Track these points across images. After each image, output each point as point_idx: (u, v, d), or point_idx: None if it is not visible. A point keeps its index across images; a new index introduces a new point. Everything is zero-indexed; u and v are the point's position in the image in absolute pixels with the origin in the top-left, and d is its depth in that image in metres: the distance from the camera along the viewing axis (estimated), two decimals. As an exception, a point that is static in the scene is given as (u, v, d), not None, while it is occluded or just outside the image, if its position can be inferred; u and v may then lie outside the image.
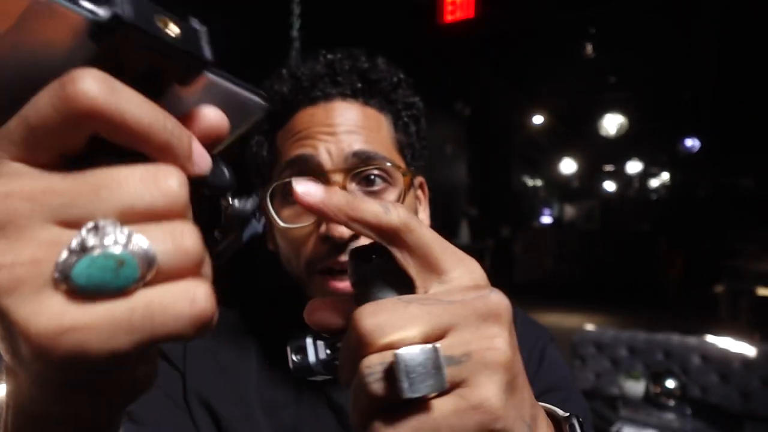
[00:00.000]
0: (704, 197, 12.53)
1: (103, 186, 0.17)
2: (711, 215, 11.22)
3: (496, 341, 0.23)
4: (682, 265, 10.02)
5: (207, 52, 0.20)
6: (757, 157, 11.59)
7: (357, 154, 0.55)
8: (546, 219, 13.24)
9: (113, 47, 0.17)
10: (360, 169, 0.55)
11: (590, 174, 13.79)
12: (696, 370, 2.87)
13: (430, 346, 0.21)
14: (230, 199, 0.23)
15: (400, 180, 0.59)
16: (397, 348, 0.21)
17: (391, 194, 0.58)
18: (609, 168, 13.73)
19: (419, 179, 0.68)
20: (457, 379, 0.22)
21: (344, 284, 0.55)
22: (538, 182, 14.35)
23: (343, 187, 0.54)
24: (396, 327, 0.22)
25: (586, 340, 3.20)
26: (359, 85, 0.59)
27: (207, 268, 0.20)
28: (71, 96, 0.16)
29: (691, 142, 10.67)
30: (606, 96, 8.43)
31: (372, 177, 0.57)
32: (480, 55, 6.81)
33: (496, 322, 0.23)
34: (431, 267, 0.24)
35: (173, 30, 0.18)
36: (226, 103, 0.22)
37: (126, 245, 0.16)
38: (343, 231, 0.52)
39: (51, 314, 0.16)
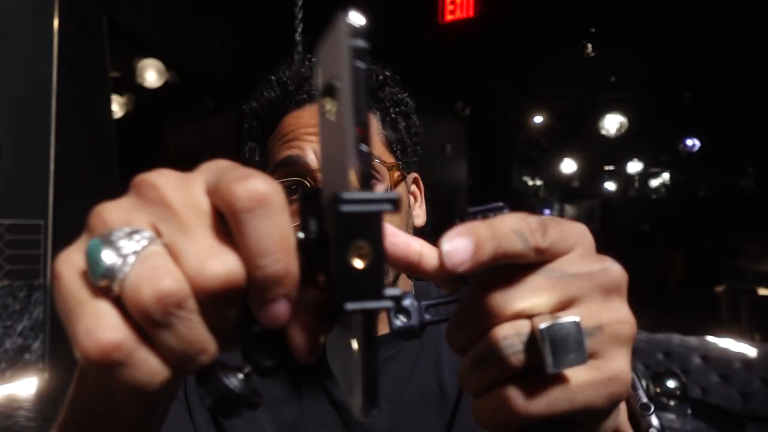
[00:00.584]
0: (704, 197, 12.53)
1: None
2: (711, 215, 11.21)
3: (623, 313, 0.24)
4: (683, 265, 10.02)
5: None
6: (757, 157, 11.58)
7: None
8: (546, 219, 13.22)
9: None
10: None
11: (590, 174, 13.78)
12: (696, 370, 2.87)
13: (572, 319, 0.21)
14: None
15: (387, 176, 0.59)
16: (527, 317, 0.22)
17: (378, 190, 0.58)
18: (609, 168, 13.73)
19: (413, 175, 0.68)
20: (591, 350, 0.22)
21: None
22: (538, 182, 14.35)
23: None
24: (524, 296, 0.22)
25: (587, 341, 3.19)
26: None
27: None
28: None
29: (691, 142, 10.66)
30: (606, 96, 8.42)
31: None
32: (480, 55, 6.80)
33: (618, 295, 0.24)
34: (557, 254, 0.24)
35: None
36: None
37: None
38: None
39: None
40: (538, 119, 9.61)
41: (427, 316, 0.24)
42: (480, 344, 0.22)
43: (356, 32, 0.19)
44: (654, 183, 13.84)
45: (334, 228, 0.18)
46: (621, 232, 11.34)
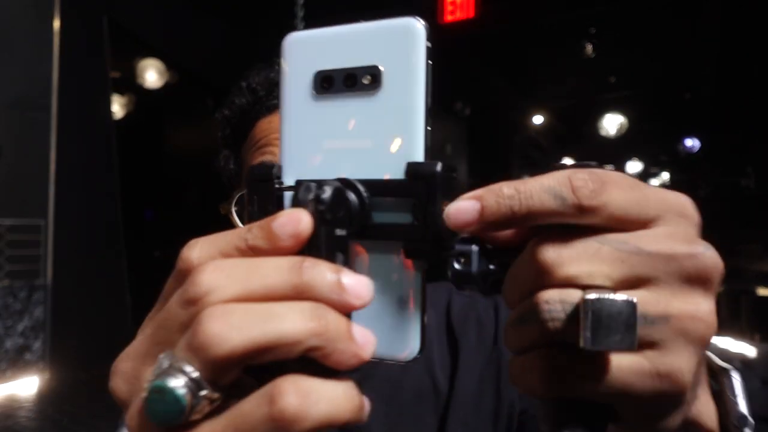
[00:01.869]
0: (704, 197, 12.53)
1: None
2: (711, 215, 11.18)
3: (702, 309, 0.20)
4: (683, 265, 10.02)
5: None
6: (757, 157, 11.57)
7: None
8: (546, 219, 13.23)
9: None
10: None
11: (590, 174, 13.76)
12: (696, 370, 2.87)
13: (626, 298, 0.18)
14: None
15: None
16: (581, 285, 0.20)
17: None
18: (609, 168, 13.71)
19: None
20: (647, 339, 0.20)
21: None
22: (539, 182, 14.33)
23: None
24: (581, 262, 0.20)
25: (587, 340, 3.19)
26: None
27: None
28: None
29: (691, 142, 10.66)
30: (606, 96, 8.42)
31: None
32: (480, 55, 6.80)
33: (703, 287, 0.20)
34: (631, 223, 0.21)
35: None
36: None
37: (165, 375, 0.18)
38: None
39: None
40: (538, 119, 9.61)
41: (491, 266, 0.23)
42: (523, 303, 0.21)
43: (427, 35, 0.22)
44: (654, 183, 13.85)
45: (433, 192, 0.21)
46: (621, 232, 11.32)
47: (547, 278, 0.20)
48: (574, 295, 0.19)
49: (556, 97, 8.94)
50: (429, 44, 0.22)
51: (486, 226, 0.21)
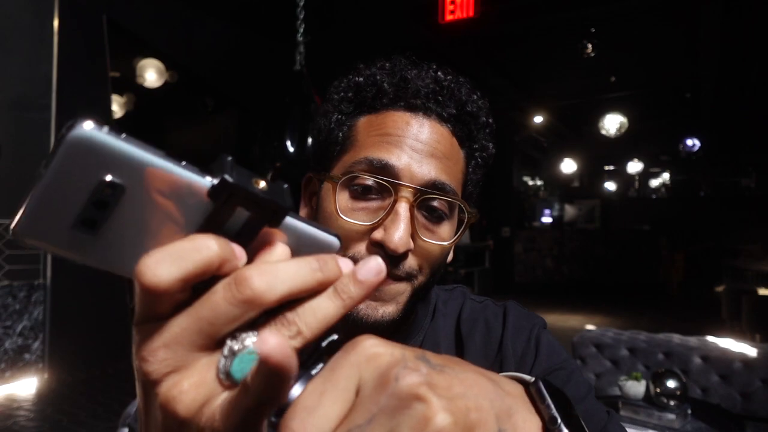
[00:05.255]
0: (704, 197, 12.53)
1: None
2: (711, 215, 11.22)
3: (435, 422, 0.22)
4: (683, 265, 10.02)
5: (288, 201, 0.25)
6: (757, 157, 11.59)
7: (435, 185, 0.55)
8: (546, 219, 13.22)
9: (223, 201, 0.24)
10: (432, 196, 0.55)
11: (591, 174, 13.79)
12: (697, 370, 2.87)
13: None
14: None
15: (456, 217, 0.60)
16: None
17: (445, 228, 0.58)
18: (609, 168, 13.73)
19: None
20: None
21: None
22: (538, 182, 14.35)
23: (413, 205, 0.54)
24: None
25: (587, 340, 3.19)
26: (454, 111, 0.59)
27: None
28: (146, 286, 0.22)
29: (692, 142, 10.67)
30: (606, 96, 8.43)
31: (435, 208, 0.57)
32: (480, 55, 6.80)
33: (419, 401, 0.22)
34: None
35: (262, 185, 0.24)
36: (305, 242, 0.27)
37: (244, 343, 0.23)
38: (399, 244, 0.52)
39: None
40: (538, 119, 9.62)
41: None
42: None
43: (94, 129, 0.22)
44: (654, 183, 13.85)
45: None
46: (621, 232, 11.33)
47: None
48: None
49: (556, 96, 8.94)
50: (102, 129, 0.21)
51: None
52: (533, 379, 0.30)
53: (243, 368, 0.23)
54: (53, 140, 4.23)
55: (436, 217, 0.57)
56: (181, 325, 0.24)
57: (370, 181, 0.55)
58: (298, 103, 3.18)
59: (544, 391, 0.28)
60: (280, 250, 0.26)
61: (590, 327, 6.13)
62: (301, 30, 3.59)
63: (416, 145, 0.56)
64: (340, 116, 0.61)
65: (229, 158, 0.24)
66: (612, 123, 8.37)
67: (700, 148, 10.74)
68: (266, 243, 0.26)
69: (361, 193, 0.55)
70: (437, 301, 0.71)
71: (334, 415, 0.22)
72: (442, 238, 0.57)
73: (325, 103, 0.64)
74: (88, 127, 0.21)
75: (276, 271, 0.24)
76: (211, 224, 0.24)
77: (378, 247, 0.54)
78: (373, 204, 0.55)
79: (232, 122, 6.93)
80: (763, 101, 8.03)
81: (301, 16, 3.64)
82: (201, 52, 5.75)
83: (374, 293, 0.53)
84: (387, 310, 0.55)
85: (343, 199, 0.56)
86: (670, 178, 13.52)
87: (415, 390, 0.22)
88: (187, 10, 5.49)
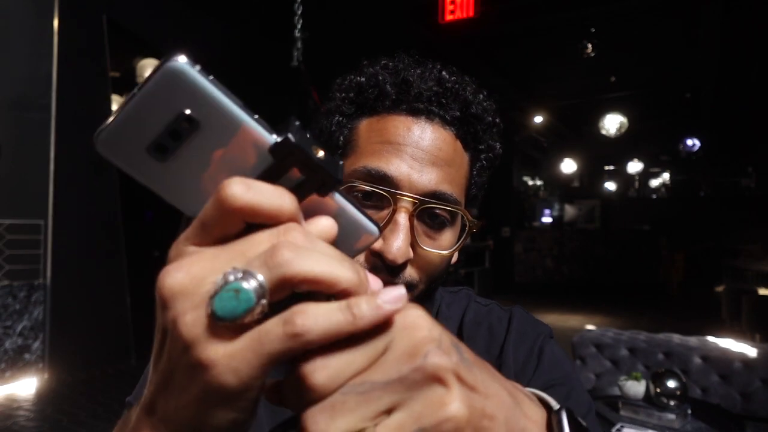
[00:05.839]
0: (704, 197, 12.54)
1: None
2: (711, 215, 11.22)
3: (449, 409, 0.22)
4: (683, 265, 10.02)
5: (341, 174, 0.26)
6: (757, 157, 11.59)
7: (437, 195, 0.55)
8: (546, 219, 13.22)
9: (281, 159, 0.25)
10: (433, 207, 0.55)
11: (591, 174, 13.79)
12: (697, 370, 2.87)
13: None
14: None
15: (458, 223, 0.59)
16: None
17: (447, 235, 0.57)
18: (609, 168, 13.74)
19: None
20: None
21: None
22: (538, 182, 14.35)
23: (411, 217, 0.54)
24: (342, 421, 0.22)
25: (587, 340, 3.19)
26: (458, 114, 0.58)
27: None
28: (222, 199, 0.23)
29: (692, 142, 10.67)
30: (606, 96, 8.43)
31: (437, 215, 0.56)
32: (480, 55, 6.81)
33: (441, 384, 0.22)
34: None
35: (321, 153, 0.25)
36: (347, 221, 0.28)
37: (242, 279, 0.22)
38: (398, 255, 0.52)
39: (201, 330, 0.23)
40: (538, 119, 9.62)
41: None
42: None
43: (188, 60, 0.24)
44: (654, 183, 13.85)
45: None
46: (621, 232, 11.33)
47: None
48: None
49: (557, 96, 8.95)
50: (195, 67, 0.24)
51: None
52: (558, 407, 0.30)
53: (222, 306, 0.22)
54: (54, 140, 4.24)
55: (438, 224, 0.56)
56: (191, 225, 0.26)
57: (368, 189, 0.54)
58: (296, 99, 3.18)
59: (565, 424, 0.28)
60: (324, 221, 0.27)
61: (590, 327, 6.13)
62: (299, 26, 3.60)
63: (417, 153, 0.55)
64: (341, 118, 0.60)
65: (297, 122, 0.26)
66: (612, 123, 8.37)
67: (700, 148, 10.74)
68: (314, 211, 0.27)
69: (360, 201, 0.54)
70: (441, 303, 0.70)
71: (356, 365, 0.23)
72: (443, 245, 0.57)
73: (327, 101, 0.64)
74: (182, 61, 0.23)
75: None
76: (266, 178, 0.25)
77: (376, 257, 0.53)
78: (373, 213, 0.54)
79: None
80: (763, 101, 8.03)
81: (299, 12, 3.65)
82: (200, 51, 5.75)
83: None
84: None
85: None
86: (670, 178, 13.53)
87: (440, 372, 0.22)
88: (187, 10, 5.49)
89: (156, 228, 7.98)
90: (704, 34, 5.95)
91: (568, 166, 12.26)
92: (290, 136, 0.25)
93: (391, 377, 0.23)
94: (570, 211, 13.22)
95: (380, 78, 0.58)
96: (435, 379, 0.22)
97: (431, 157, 0.56)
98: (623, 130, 8.42)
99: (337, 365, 0.23)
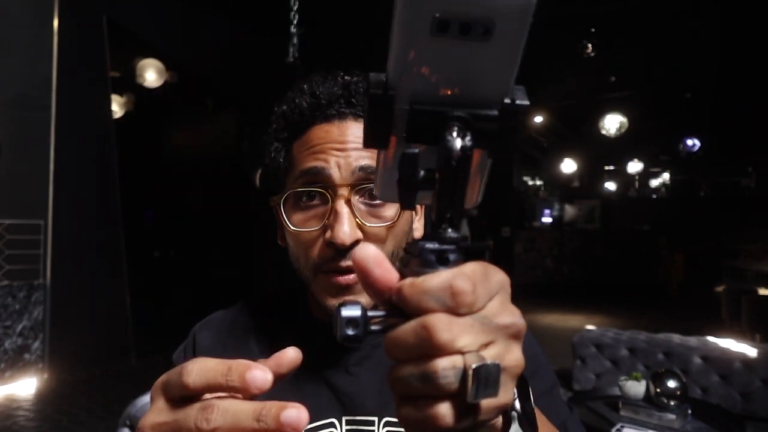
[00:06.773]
0: (704, 197, 12.53)
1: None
2: (711, 215, 11.21)
3: (518, 357, 0.30)
4: (683, 265, 10.02)
5: None
6: (757, 157, 11.59)
7: (363, 169, 0.60)
8: (546, 219, 13.22)
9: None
10: (364, 185, 0.61)
11: (591, 174, 13.79)
12: (697, 370, 2.87)
13: (496, 363, 0.27)
14: None
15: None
16: (461, 353, 0.27)
17: (389, 207, 0.62)
18: (609, 168, 13.73)
19: None
20: None
21: (347, 279, 0.60)
22: (538, 182, 14.35)
23: (348, 200, 0.60)
24: (465, 337, 0.27)
25: (587, 340, 3.19)
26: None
27: None
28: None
29: (692, 142, 10.66)
30: (606, 96, 8.43)
31: (374, 191, 0.61)
32: (480, 55, 6.79)
33: (518, 341, 0.30)
34: (484, 305, 0.30)
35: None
36: None
37: None
38: (345, 238, 0.58)
39: None
40: (538, 119, 9.61)
41: (372, 327, 0.29)
42: (420, 368, 0.28)
43: None
44: (654, 183, 13.85)
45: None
46: (621, 232, 11.33)
47: (440, 351, 0.27)
48: (459, 362, 0.27)
49: (557, 96, 8.94)
50: (534, 2, 0.25)
51: (382, 303, 0.30)
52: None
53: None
54: (54, 140, 4.24)
55: (377, 201, 0.62)
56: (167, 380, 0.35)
57: (307, 190, 0.62)
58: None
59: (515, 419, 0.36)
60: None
61: (590, 327, 6.12)
62: (295, 21, 3.59)
63: (338, 146, 0.62)
64: (277, 144, 0.67)
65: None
66: (612, 123, 8.37)
67: (700, 148, 10.73)
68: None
69: (307, 204, 0.62)
70: None
71: (484, 299, 0.29)
72: (388, 216, 0.62)
73: (266, 134, 0.71)
74: None
75: None
76: None
77: (331, 247, 0.59)
78: (320, 210, 0.62)
79: (232, 122, 6.93)
80: (763, 101, 8.03)
81: (295, 7, 3.64)
82: (201, 51, 5.75)
83: (348, 292, 0.61)
84: (364, 300, 0.60)
85: (294, 214, 0.63)
86: (670, 178, 13.52)
87: (522, 333, 0.31)
88: (187, 10, 5.49)
89: (156, 228, 7.99)
90: (704, 35, 5.95)
91: (568, 166, 12.25)
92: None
93: (502, 322, 0.29)
94: (570, 211, 13.22)
95: (297, 101, 0.65)
96: (519, 336, 0.30)
97: (351, 144, 0.62)
98: (623, 130, 8.42)
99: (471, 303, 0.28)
